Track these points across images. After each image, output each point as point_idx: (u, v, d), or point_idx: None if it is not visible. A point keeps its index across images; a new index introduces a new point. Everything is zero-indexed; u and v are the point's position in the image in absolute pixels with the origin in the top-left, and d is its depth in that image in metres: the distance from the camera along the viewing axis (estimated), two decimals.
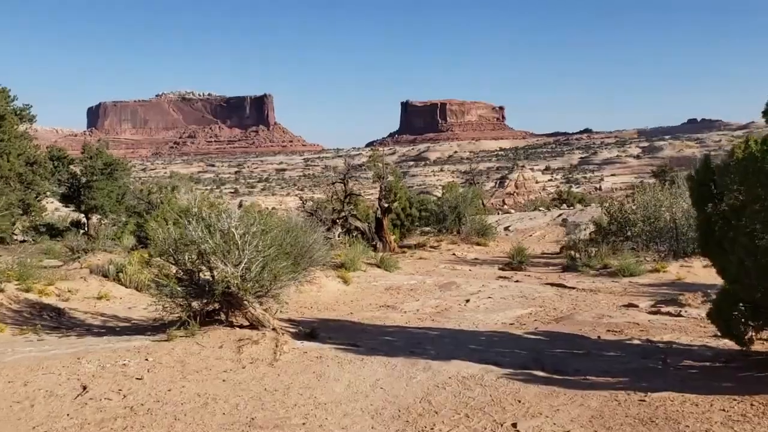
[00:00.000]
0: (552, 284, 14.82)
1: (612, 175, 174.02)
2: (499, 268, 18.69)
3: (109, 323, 10.05)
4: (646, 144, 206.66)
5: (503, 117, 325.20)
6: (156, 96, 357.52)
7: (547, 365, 7.51)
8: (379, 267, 17.25)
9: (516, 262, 18.63)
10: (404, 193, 26.62)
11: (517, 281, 15.57)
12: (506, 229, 31.57)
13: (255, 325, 8.69)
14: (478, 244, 26.29)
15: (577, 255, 18.79)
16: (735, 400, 5.87)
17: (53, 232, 28.61)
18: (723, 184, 7.06)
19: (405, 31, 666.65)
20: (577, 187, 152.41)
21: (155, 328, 9.12)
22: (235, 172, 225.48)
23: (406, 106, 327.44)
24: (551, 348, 8.49)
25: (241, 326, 8.79)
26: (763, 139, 6.80)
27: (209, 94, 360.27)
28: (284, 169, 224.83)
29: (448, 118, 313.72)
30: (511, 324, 10.47)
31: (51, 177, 29.63)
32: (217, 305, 8.89)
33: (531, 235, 29.89)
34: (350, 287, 13.68)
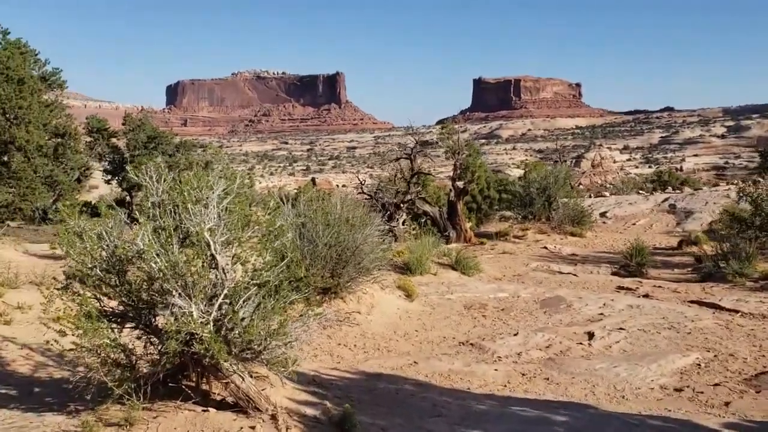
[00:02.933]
0: (700, 303, 10.45)
1: (694, 155, 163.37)
2: (613, 272, 14.31)
3: (41, 372, 6.48)
4: (731, 123, 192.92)
5: (580, 94, 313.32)
6: (232, 75, 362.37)
7: None
8: (454, 269, 13.24)
9: (634, 265, 14.21)
10: (483, 171, 22.38)
11: (646, 296, 11.26)
12: (602, 215, 26.83)
13: (242, 404, 4.91)
14: (572, 234, 21.82)
15: (713, 252, 14.20)
16: None
17: (94, 211, 25.97)
18: None
19: (478, 5, 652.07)
20: (657, 168, 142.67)
21: (88, 397, 5.43)
22: (308, 150, 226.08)
23: (478, 83, 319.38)
24: None
25: (222, 402, 5.04)
26: None
27: (283, 73, 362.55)
28: (355, 147, 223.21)
29: (522, 95, 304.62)
30: (679, 391, 6.32)
31: (90, 151, 27.05)
32: (182, 360, 5.16)
33: (634, 224, 25.09)
34: (415, 304, 9.75)
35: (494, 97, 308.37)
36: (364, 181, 18.64)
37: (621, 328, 8.61)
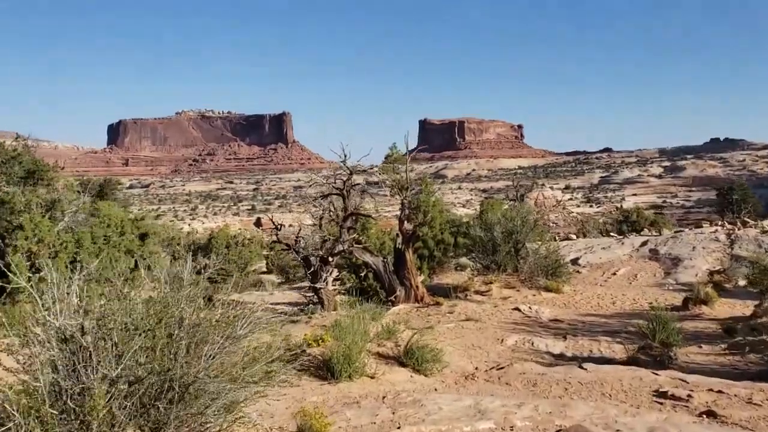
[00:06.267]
0: None
1: (633, 194, 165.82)
2: (630, 358, 9.92)
3: None
4: (667, 163, 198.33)
5: (522, 135, 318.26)
6: (176, 114, 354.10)
7: None
8: (402, 364, 8.67)
9: (658, 345, 9.93)
10: (438, 212, 18.02)
11: (711, 414, 6.93)
12: (574, 262, 22.81)
13: None
14: (546, 288, 17.60)
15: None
16: None
17: None
18: None
19: (424, 49, 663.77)
20: (598, 207, 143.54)
21: None
22: (253, 189, 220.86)
23: (423, 124, 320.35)
24: None
25: None
26: None
27: (229, 112, 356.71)
28: (302, 186, 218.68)
29: (466, 136, 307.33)
30: None
31: None
32: None
33: (614, 274, 21.09)
34: None
35: (440, 138, 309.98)
36: (281, 225, 13.81)
37: None
